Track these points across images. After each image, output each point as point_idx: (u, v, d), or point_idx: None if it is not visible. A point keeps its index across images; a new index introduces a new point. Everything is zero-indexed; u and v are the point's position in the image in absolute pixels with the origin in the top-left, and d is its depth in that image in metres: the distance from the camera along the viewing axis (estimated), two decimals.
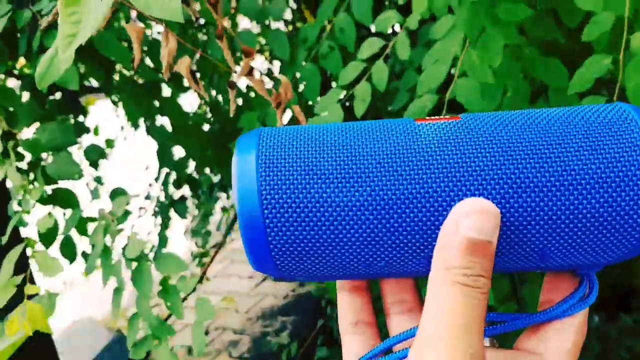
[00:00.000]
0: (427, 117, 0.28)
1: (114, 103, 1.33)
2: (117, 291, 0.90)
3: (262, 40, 1.46)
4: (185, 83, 1.45)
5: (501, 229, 0.25)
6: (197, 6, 0.97)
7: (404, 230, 0.26)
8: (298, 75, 0.98)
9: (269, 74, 1.08)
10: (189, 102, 1.75)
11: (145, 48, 1.04)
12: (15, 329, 0.77)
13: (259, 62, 1.58)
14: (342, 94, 0.80)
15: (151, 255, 0.90)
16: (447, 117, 0.28)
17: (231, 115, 0.56)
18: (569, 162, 0.25)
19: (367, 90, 0.77)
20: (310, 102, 1.03)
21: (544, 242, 0.26)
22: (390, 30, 1.25)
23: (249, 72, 0.56)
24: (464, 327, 0.23)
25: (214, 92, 1.38)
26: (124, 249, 0.90)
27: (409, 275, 0.30)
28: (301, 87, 1.00)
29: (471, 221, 0.24)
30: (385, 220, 0.26)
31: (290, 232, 0.27)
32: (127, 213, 0.95)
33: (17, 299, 0.80)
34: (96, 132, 1.84)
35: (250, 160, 0.27)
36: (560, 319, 0.28)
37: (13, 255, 0.83)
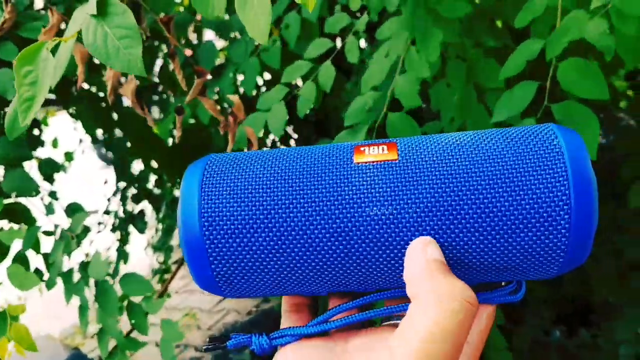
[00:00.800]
0: (364, 149, 0.30)
1: (72, 116, 1.30)
2: (82, 309, 0.89)
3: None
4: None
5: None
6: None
7: (336, 267, 0.29)
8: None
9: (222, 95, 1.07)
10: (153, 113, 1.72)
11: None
12: (4, 351, 0.75)
13: None
14: (285, 92, 0.80)
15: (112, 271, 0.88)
16: (384, 151, 0.29)
17: (176, 141, 0.55)
18: (494, 200, 0.27)
19: (312, 90, 0.77)
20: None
21: (479, 264, 0.29)
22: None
23: (202, 92, 0.55)
24: (458, 350, 0.25)
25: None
26: (82, 265, 0.88)
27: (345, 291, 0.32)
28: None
29: (431, 249, 0.28)
30: (319, 259, 0.29)
31: (227, 257, 0.29)
32: (86, 230, 0.93)
33: None
34: (54, 144, 1.79)
35: (194, 189, 0.30)
36: (492, 304, 0.33)
37: None
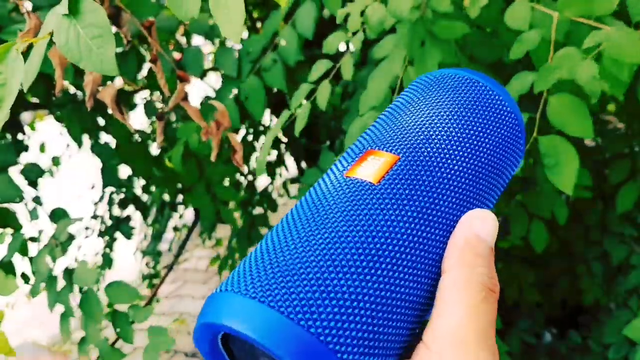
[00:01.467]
0: (361, 169, 0.28)
1: (58, 120, 1.29)
2: (64, 316, 0.87)
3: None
4: (136, 100, 1.42)
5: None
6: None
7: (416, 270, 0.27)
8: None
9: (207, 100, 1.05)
10: (139, 119, 1.71)
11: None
12: None
13: (213, 80, 1.56)
14: (289, 115, 0.79)
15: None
16: (379, 159, 0.28)
17: (157, 148, 0.54)
18: (493, 143, 0.31)
19: (308, 109, 0.76)
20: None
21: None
22: (344, 48, 1.24)
23: (184, 98, 0.54)
24: (488, 331, 0.25)
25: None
26: (66, 272, 0.87)
27: None
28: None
29: (479, 224, 0.28)
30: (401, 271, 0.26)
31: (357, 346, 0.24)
32: (71, 237, 0.91)
33: None
34: (42, 149, 1.78)
35: (275, 319, 0.23)
36: None
37: None
